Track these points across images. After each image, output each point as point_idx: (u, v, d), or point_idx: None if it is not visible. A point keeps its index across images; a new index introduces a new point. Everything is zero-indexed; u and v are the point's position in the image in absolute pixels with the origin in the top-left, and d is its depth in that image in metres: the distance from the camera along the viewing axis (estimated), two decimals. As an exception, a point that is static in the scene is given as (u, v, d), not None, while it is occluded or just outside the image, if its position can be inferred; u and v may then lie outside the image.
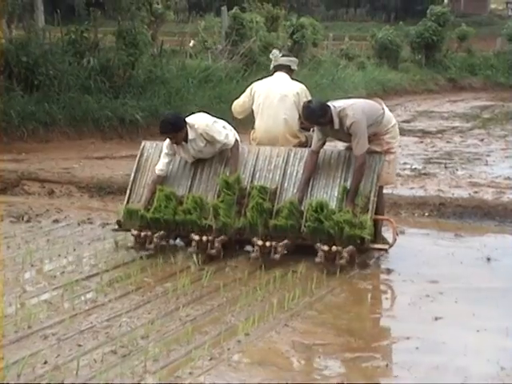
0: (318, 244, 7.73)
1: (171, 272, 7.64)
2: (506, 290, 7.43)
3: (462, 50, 36.89)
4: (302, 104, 8.62)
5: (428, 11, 33.98)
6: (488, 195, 10.96)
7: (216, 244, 8.02)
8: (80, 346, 5.76)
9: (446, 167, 13.23)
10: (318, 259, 7.69)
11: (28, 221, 9.55)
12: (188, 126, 8.54)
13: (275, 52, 9.64)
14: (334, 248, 7.66)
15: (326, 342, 6.03)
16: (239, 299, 6.80)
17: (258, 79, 9.70)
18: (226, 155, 8.74)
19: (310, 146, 8.58)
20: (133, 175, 8.95)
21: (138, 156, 9.09)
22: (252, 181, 8.52)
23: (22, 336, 5.90)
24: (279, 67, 9.43)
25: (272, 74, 9.52)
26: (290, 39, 25.39)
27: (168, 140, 8.61)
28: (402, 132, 17.68)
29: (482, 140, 17.53)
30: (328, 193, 8.25)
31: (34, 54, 15.33)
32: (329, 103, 8.22)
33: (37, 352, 5.57)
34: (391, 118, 8.64)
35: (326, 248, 7.67)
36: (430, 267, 8.37)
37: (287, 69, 9.41)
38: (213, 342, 5.88)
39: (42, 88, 15.16)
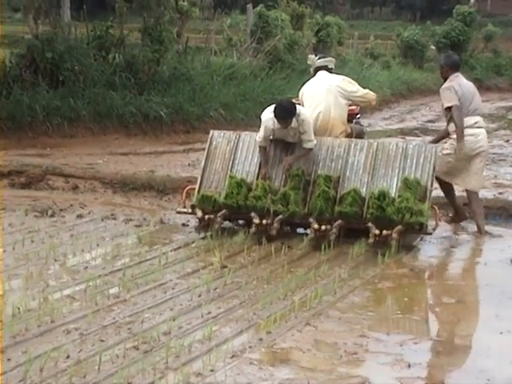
0: (370, 224, 8.38)
1: (194, 269, 7.65)
2: (529, 292, 7.38)
3: (488, 51, 36.68)
4: (346, 92, 9.58)
5: (454, 11, 33.82)
6: (513, 196, 10.90)
7: (275, 225, 8.63)
8: (102, 341, 5.78)
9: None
10: (370, 240, 8.34)
11: (52, 215, 9.58)
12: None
13: (311, 57, 10.33)
14: (384, 232, 8.28)
15: (347, 341, 6.01)
16: (261, 297, 6.80)
17: (303, 83, 10.24)
18: (292, 146, 9.31)
19: (356, 137, 9.55)
20: (203, 163, 9.49)
21: (208, 145, 9.64)
22: (316, 170, 9.10)
23: (44, 330, 5.93)
24: (318, 69, 10.01)
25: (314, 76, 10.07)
26: (315, 37, 25.32)
27: (265, 125, 9.13)
28: (427, 132, 17.71)
29: (507, 141, 17.42)
30: (388, 182, 8.84)
31: (60, 49, 15.37)
32: None
33: (59, 346, 5.59)
34: None
35: (377, 231, 8.30)
36: (454, 268, 8.36)
37: (325, 68, 10.03)
38: (234, 339, 5.88)
39: (67, 83, 15.20)
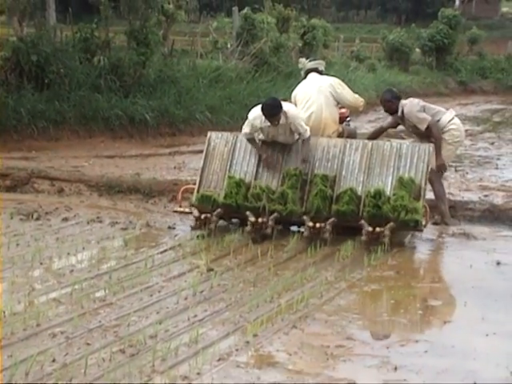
0: (362, 221, 8.64)
1: (181, 271, 7.64)
2: (515, 294, 7.40)
3: (472, 53, 36.84)
4: (336, 94, 9.89)
5: (439, 14, 33.95)
6: (498, 199, 10.93)
7: (270, 223, 8.84)
8: (88, 344, 5.76)
9: (456, 170, 13.19)
10: (364, 237, 8.57)
11: (37, 219, 9.55)
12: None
13: (302, 60, 10.71)
14: (377, 229, 8.51)
15: (334, 344, 6.01)
16: (248, 300, 6.80)
17: (291, 86, 10.94)
18: (287, 147, 9.56)
19: (348, 137, 9.89)
20: (202, 163, 9.73)
21: (206, 146, 9.84)
22: (313, 169, 9.32)
23: (30, 334, 5.91)
24: (309, 71, 10.29)
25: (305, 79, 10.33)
26: (300, 40, 25.34)
27: (251, 123, 9.41)
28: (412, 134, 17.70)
29: (492, 143, 17.51)
30: (383, 180, 9.08)
31: (45, 52, 15.32)
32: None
33: (45, 350, 5.58)
34: None
35: (370, 228, 8.53)
36: (440, 270, 8.38)
37: (316, 71, 10.34)
38: (221, 342, 5.88)
39: (53, 86, 15.16)
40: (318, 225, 8.72)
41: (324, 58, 26.78)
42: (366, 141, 9.63)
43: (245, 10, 22.13)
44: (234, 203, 9.07)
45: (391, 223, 8.55)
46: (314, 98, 9.82)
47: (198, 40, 23.89)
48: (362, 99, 10.28)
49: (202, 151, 14.67)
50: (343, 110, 10.34)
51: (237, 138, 9.78)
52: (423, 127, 9.68)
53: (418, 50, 34.10)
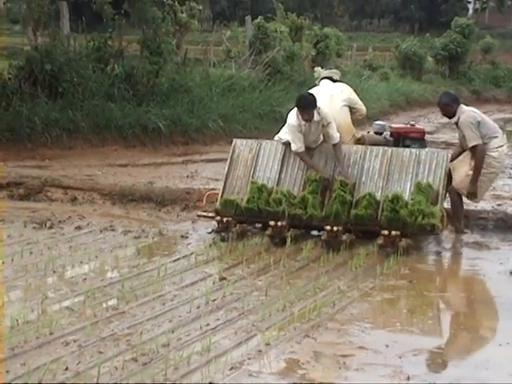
0: (378, 228, 8.86)
1: (193, 280, 7.64)
2: (528, 304, 7.37)
3: (486, 62, 36.79)
4: (349, 99, 10.11)
5: (452, 23, 33.94)
6: (511, 208, 10.90)
7: (288, 227, 9.12)
8: (101, 353, 5.77)
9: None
10: (380, 241, 8.76)
11: (51, 227, 9.59)
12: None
13: (317, 69, 10.97)
14: (393, 232, 8.67)
15: (347, 353, 6.01)
16: (260, 309, 6.80)
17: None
18: (310, 153, 9.74)
19: (367, 144, 9.99)
20: (226, 170, 9.96)
21: (230, 153, 10.07)
22: (333, 175, 9.48)
23: (43, 342, 5.92)
24: (323, 79, 10.49)
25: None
26: (313, 49, 25.38)
27: (294, 122, 9.55)
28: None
29: (505, 153, 17.40)
30: (401, 186, 9.25)
31: (59, 61, 15.37)
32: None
33: (58, 358, 5.58)
34: None
35: (386, 232, 8.70)
36: (452, 280, 8.35)
37: (330, 79, 10.55)
38: (233, 351, 5.88)
39: (66, 95, 15.21)
40: (335, 228, 8.87)
41: (337, 67, 26.87)
42: (386, 148, 9.75)
43: (258, 19, 22.18)
44: (255, 207, 9.30)
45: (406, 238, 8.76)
46: (326, 104, 9.84)
47: (211, 49, 23.98)
48: (364, 108, 10.54)
49: (214, 160, 14.90)
50: (420, 127, 10.62)
51: (260, 146, 10.01)
52: (469, 145, 9.41)
53: (430, 58, 34.09)
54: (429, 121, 24.65)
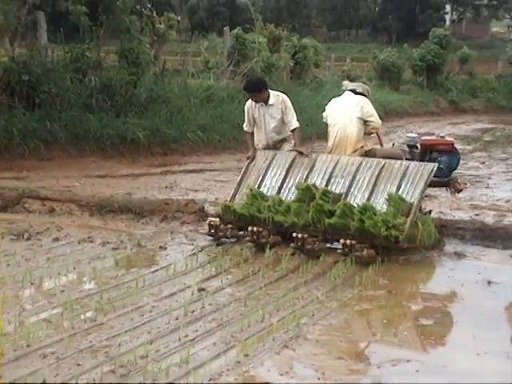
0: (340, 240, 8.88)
1: (172, 291, 7.62)
2: (506, 313, 7.40)
3: (463, 73, 36.97)
4: (362, 112, 10.09)
5: (430, 33, 34.10)
6: (489, 218, 10.96)
7: (263, 233, 9.24)
8: (79, 365, 5.74)
9: (446, 189, 13.19)
10: (339, 250, 8.83)
11: (28, 239, 9.53)
12: (271, 93, 10.28)
13: (345, 82, 11.32)
14: (347, 241, 8.74)
15: (325, 364, 6.00)
16: (239, 319, 6.78)
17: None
18: (314, 165, 9.92)
19: (378, 157, 9.86)
20: (239, 177, 10.28)
21: (248, 162, 10.32)
22: (327, 185, 9.60)
23: (20, 355, 5.88)
24: (346, 91, 10.56)
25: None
26: (292, 60, 25.43)
27: (247, 104, 10.49)
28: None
29: (483, 163, 17.55)
30: (384, 197, 9.19)
31: (36, 72, 15.36)
32: None
33: (36, 371, 5.55)
34: None
35: (342, 241, 8.77)
36: (431, 289, 8.36)
37: (353, 92, 10.49)
38: (212, 362, 5.86)
39: (44, 106, 15.18)
40: (299, 235, 8.96)
41: (315, 78, 27.13)
42: (382, 160, 9.70)
43: (236, 30, 22.21)
44: (247, 213, 9.48)
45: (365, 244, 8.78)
46: (339, 114, 10.17)
47: (190, 60, 23.96)
48: (380, 122, 10.45)
49: (193, 170, 14.92)
50: (449, 139, 10.49)
51: (275, 156, 10.21)
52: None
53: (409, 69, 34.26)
54: (407, 131, 24.69)
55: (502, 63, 38.40)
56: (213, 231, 9.64)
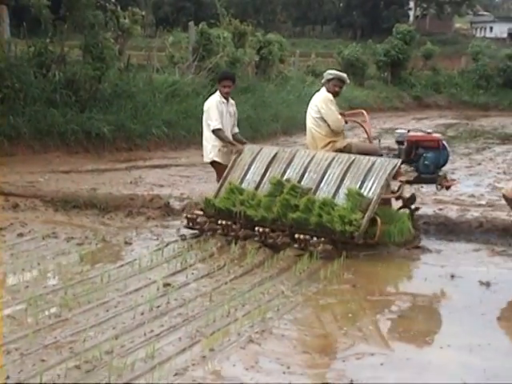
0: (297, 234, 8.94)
1: (137, 286, 7.60)
2: (468, 306, 7.46)
3: (427, 69, 37.24)
4: (320, 112, 10.17)
5: (394, 29, 34.29)
6: (453, 212, 11.06)
7: (233, 226, 9.44)
8: (43, 361, 5.71)
9: (410, 184, 13.26)
10: (296, 245, 8.89)
11: (-8, 234, 9.46)
12: None
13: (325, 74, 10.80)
14: (301, 236, 8.85)
15: (290, 358, 6.03)
16: (204, 314, 6.79)
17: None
18: (292, 160, 9.90)
19: (364, 154, 9.73)
20: (226, 172, 10.17)
21: (235, 156, 10.26)
22: (300, 180, 9.62)
23: (-16, 351, 5.85)
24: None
25: None
26: (257, 55, 25.43)
27: (214, 100, 10.46)
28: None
29: (446, 158, 17.63)
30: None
31: (-1, 66, 15.24)
32: None
33: (-1, 367, 5.52)
34: None
35: (297, 236, 8.88)
36: (395, 284, 8.43)
37: (325, 82, 10.54)
38: (177, 357, 5.86)
39: (7, 101, 15.06)
40: (261, 229, 9.13)
41: (280, 73, 27.14)
42: (353, 155, 9.65)
43: (201, 25, 22.17)
44: (223, 207, 9.63)
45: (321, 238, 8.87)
46: (308, 112, 10.43)
47: (155, 55, 23.87)
48: (336, 119, 10.23)
49: (158, 166, 14.89)
50: (437, 135, 10.25)
51: (260, 150, 10.25)
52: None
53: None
54: (372, 126, 24.80)
55: (466, 59, 38.71)
56: (191, 224, 9.75)
